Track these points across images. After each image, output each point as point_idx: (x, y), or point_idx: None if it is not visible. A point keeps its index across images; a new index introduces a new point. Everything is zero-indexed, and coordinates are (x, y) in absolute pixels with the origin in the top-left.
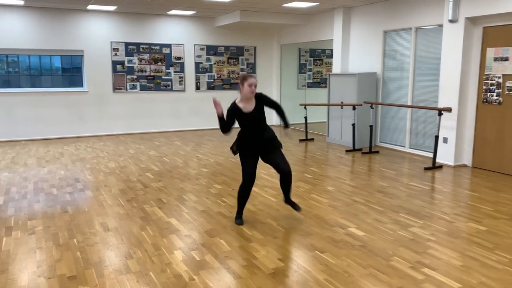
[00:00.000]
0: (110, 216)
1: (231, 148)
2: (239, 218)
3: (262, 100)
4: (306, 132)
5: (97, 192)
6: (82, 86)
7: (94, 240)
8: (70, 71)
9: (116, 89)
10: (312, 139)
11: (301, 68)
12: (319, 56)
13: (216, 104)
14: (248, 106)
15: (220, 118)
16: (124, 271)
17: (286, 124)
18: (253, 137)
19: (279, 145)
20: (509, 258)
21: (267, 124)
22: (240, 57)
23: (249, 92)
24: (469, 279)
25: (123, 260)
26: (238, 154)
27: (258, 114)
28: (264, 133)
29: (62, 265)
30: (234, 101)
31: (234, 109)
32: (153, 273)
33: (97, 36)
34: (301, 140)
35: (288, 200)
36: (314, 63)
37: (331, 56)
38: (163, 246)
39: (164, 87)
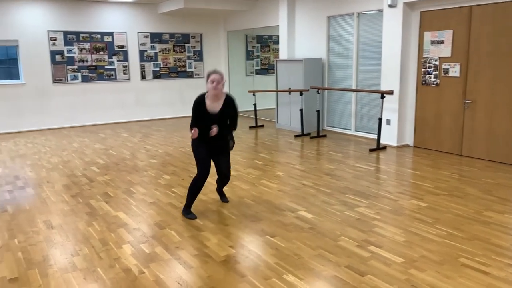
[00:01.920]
0: (54, 213)
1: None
2: (191, 212)
3: (230, 107)
4: (256, 119)
5: (39, 189)
6: (19, 78)
7: (37, 239)
8: (5, 63)
9: (56, 80)
10: (261, 126)
11: (249, 55)
12: (266, 42)
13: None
14: (214, 105)
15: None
16: (70, 269)
17: (230, 137)
18: (207, 138)
19: (229, 149)
20: (447, 231)
21: (226, 125)
22: (186, 45)
23: (211, 89)
24: (411, 253)
25: (69, 258)
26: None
27: (220, 118)
28: (218, 138)
29: (2, 267)
30: (204, 93)
31: (199, 102)
32: (101, 269)
33: (32, 25)
34: (251, 127)
35: (220, 191)
36: (262, 50)
37: (278, 42)
38: (111, 241)
39: (108, 77)
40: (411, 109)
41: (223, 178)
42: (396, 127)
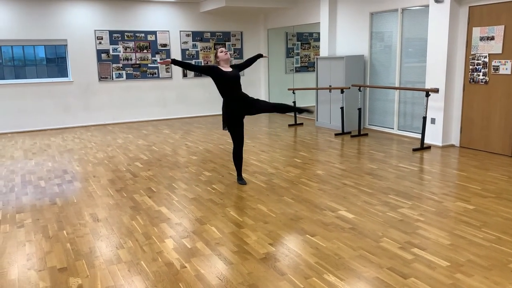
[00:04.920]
0: (100, 207)
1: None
2: (241, 179)
3: (236, 66)
4: (295, 117)
5: (86, 183)
6: (67, 76)
7: (84, 231)
8: (54, 61)
9: (102, 78)
10: (301, 124)
11: (289, 53)
12: (306, 40)
13: (163, 62)
14: (227, 68)
15: (174, 62)
16: (115, 261)
17: (258, 56)
18: (234, 95)
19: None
20: (496, 235)
21: (240, 86)
22: (227, 43)
23: (223, 55)
24: (457, 257)
25: (114, 250)
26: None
27: (234, 75)
28: (240, 91)
29: (52, 257)
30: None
31: (215, 66)
32: (144, 262)
33: (80, 24)
34: (290, 125)
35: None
36: (302, 47)
37: (318, 39)
38: (154, 235)
39: (151, 75)
40: (458, 108)
41: (276, 106)
42: (441, 127)
